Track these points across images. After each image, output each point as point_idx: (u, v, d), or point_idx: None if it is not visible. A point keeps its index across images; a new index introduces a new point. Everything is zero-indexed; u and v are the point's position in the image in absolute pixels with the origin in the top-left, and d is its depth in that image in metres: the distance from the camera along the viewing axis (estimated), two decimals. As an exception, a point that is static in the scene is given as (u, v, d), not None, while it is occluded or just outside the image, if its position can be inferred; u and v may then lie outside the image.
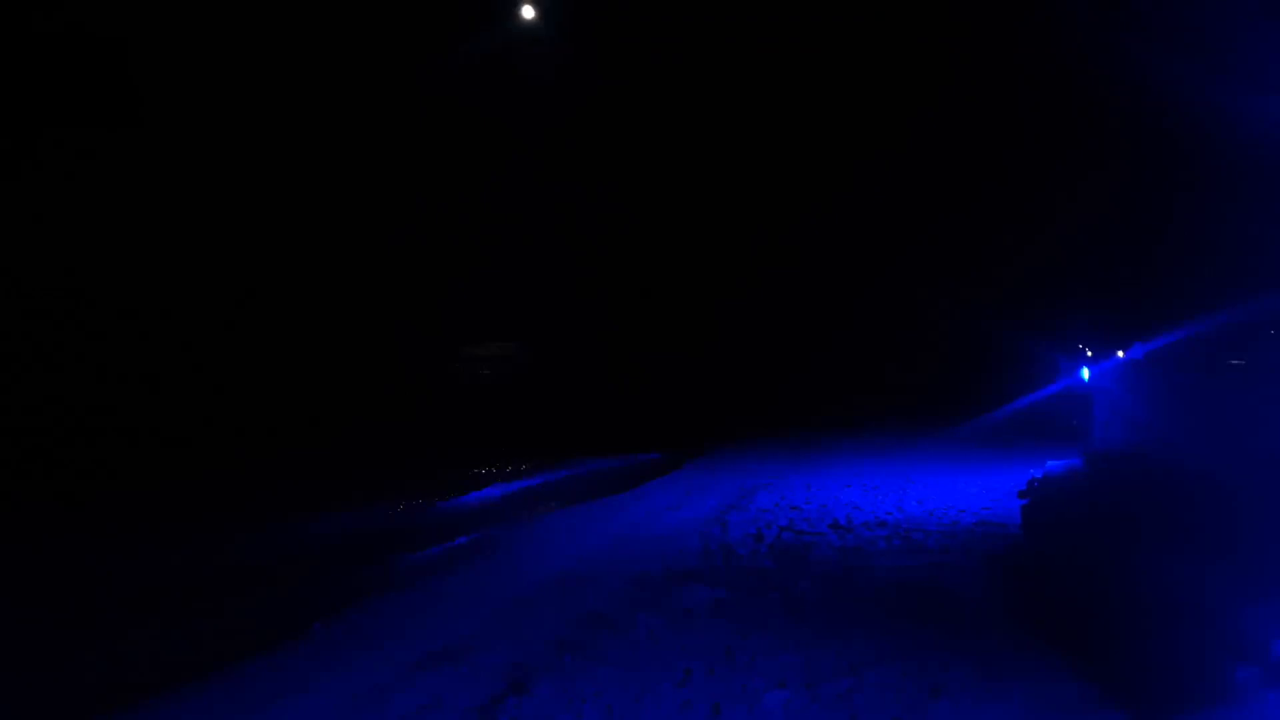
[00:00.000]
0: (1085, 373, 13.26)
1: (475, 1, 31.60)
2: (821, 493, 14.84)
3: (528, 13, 24.28)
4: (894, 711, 6.22)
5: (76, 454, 21.72)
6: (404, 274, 38.20)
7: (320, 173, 35.50)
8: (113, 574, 11.99)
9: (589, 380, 35.30)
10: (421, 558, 12.45)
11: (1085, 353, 15.52)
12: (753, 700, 6.50)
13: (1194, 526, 7.05)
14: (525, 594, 9.55)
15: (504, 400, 34.01)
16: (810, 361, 37.54)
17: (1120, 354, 12.65)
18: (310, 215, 35.45)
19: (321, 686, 7.46)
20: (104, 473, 19.84)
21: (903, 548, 10.83)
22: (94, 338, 28.87)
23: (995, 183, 33.24)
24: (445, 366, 38.68)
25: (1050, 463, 12.42)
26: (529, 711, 6.49)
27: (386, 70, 33.98)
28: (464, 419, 29.07)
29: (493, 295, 39.68)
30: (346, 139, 35.52)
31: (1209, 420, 8.14)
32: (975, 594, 8.90)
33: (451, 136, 37.93)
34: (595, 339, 39.33)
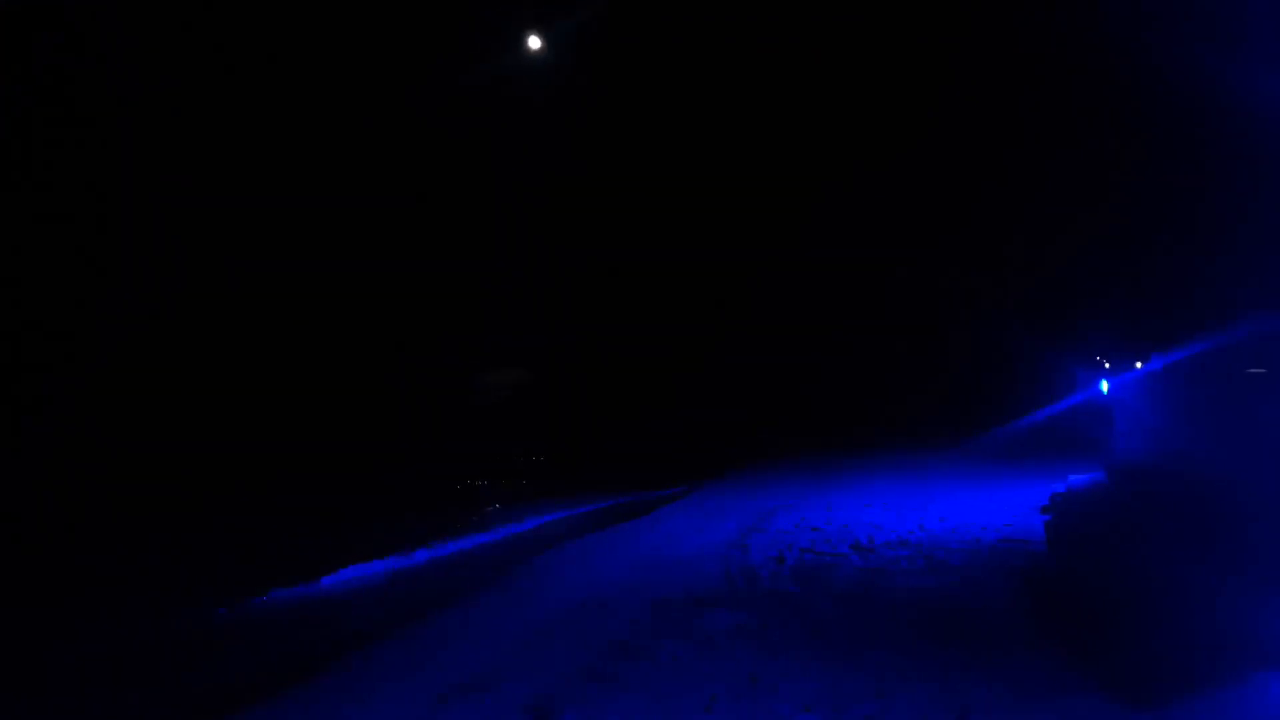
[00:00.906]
0: (1104, 385, 13.19)
1: (482, 27, 31.87)
2: (841, 513, 14.76)
3: (534, 43, 24.54)
4: (923, 734, 6.16)
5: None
6: (410, 297, 38.21)
7: (329, 191, 35.66)
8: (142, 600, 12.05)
9: (597, 405, 35.17)
10: (440, 588, 12.43)
11: (1103, 365, 15.44)
12: (780, 726, 6.46)
13: (1218, 537, 6.99)
14: (546, 623, 9.52)
15: (512, 427, 33.75)
16: (822, 378, 37.41)
17: (1139, 365, 12.58)
18: (312, 234, 35.52)
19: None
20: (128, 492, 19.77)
21: (926, 567, 10.75)
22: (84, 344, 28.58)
23: (1010, 188, 32.99)
24: (457, 393, 38.60)
25: (1072, 477, 12.36)
26: (555, 742, 6.46)
27: (400, 98, 34.25)
28: (477, 447, 28.92)
29: (502, 319, 39.73)
30: (347, 152, 35.64)
31: (1230, 431, 8.08)
32: (1001, 612, 8.82)
33: (452, 152, 38.10)
34: (603, 363, 39.19)
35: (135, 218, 30.22)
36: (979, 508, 14.43)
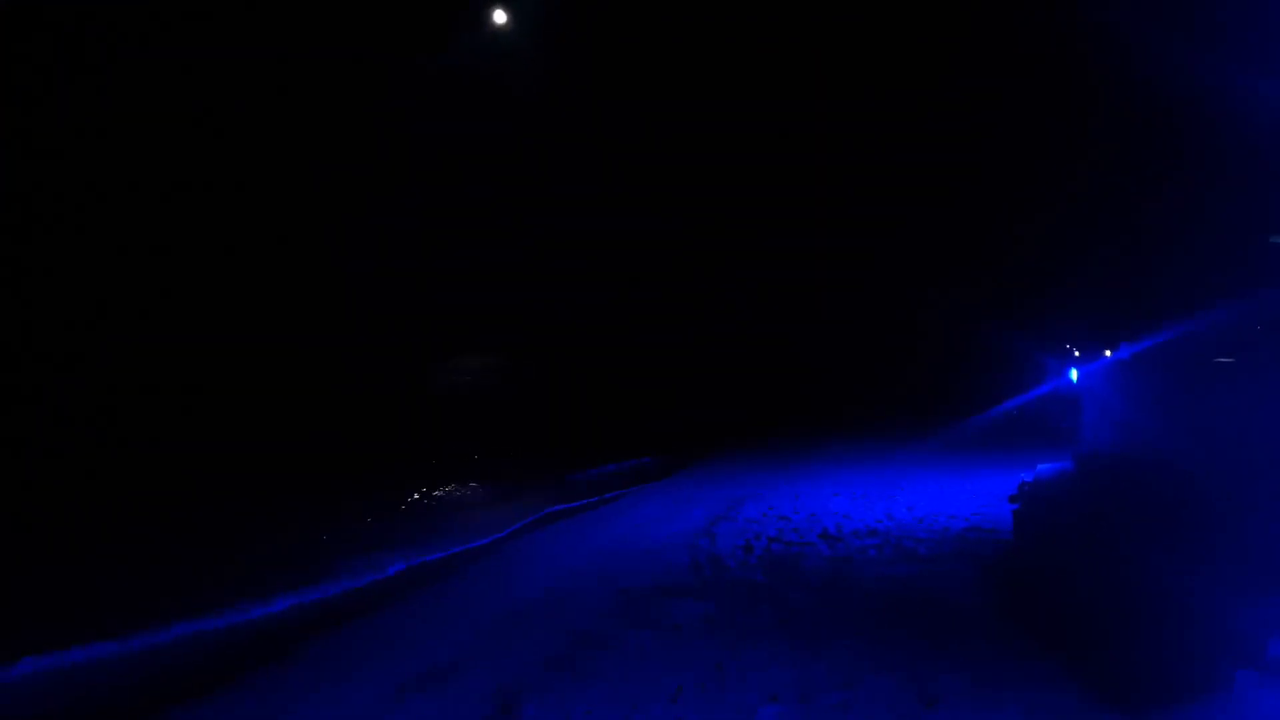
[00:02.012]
0: (1074, 374, 13.19)
1: (454, 8, 31.45)
2: (810, 501, 14.71)
3: (499, 17, 24.04)
4: (890, 724, 6.09)
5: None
6: (381, 282, 37.78)
7: (302, 178, 35.21)
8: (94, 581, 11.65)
9: (568, 390, 34.90)
10: (399, 575, 12.20)
11: (1073, 353, 15.47)
12: (746, 715, 6.36)
13: (1186, 527, 6.97)
14: (511, 611, 9.36)
15: (484, 412, 33.21)
16: (789, 365, 37.41)
17: (1108, 354, 12.60)
18: (289, 222, 35.07)
19: (305, 713, 7.26)
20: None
21: (894, 556, 10.71)
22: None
23: (980, 177, 33.19)
24: (428, 379, 38.12)
25: (1040, 466, 12.31)
26: (516, 734, 6.32)
27: (367, 80, 33.83)
28: (448, 429, 28.43)
29: (475, 305, 39.36)
30: (329, 142, 35.23)
31: (1198, 420, 8.08)
32: (969, 601, 8.80)
33: (429, 140, 37.68)
34: (577, 349, 38.96)
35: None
36: (947, 497, 14.44)
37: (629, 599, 9.34)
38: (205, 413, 26.93)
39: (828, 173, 39.82)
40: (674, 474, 19.70)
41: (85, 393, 26.45)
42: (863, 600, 8.95)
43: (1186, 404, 8.44)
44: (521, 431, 28.35)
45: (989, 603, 8.69)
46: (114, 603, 10.69)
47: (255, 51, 32.50)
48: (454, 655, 8.09)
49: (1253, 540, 6.52)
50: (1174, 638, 6.14)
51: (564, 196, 40.54)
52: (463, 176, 39.28)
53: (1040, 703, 6.25)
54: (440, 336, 39.32)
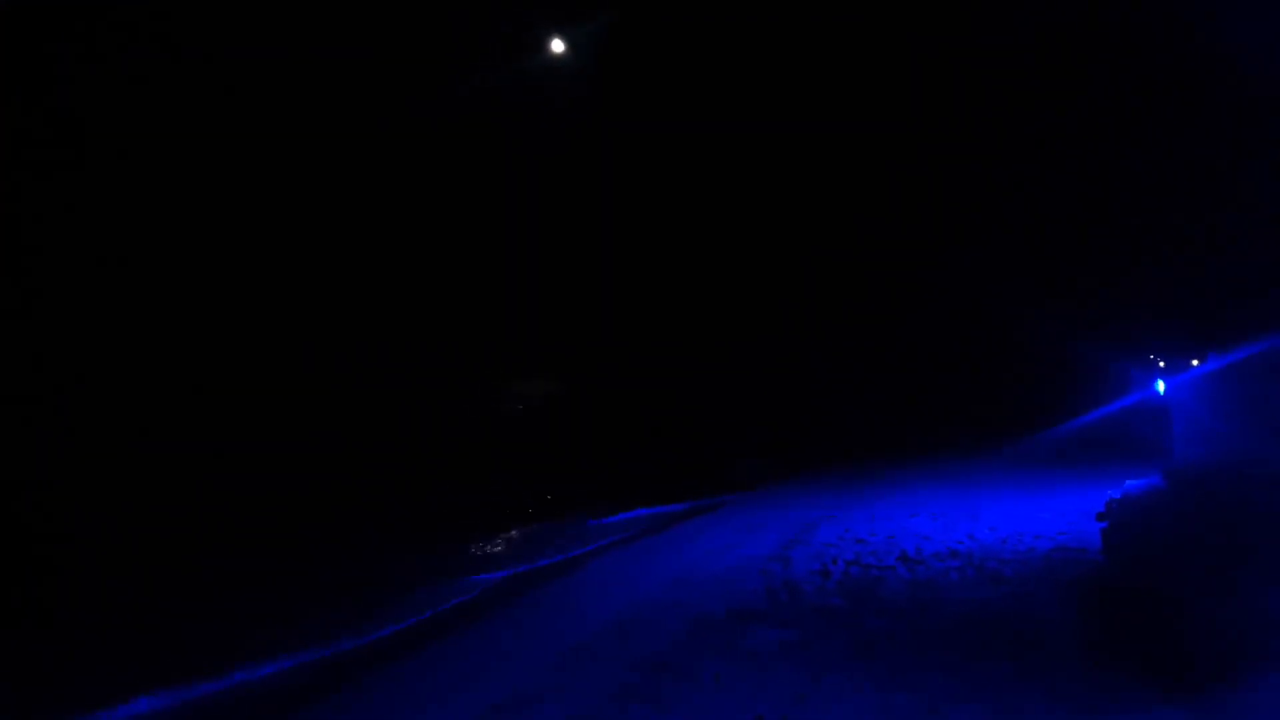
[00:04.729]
0: (1161, 385, 12.71)
1: (505, 33, 31.92)
2: (887, 523, 14.38)
3: (557, 46, 24.34)
4: (980, 758, 5.85)
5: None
6: (442, 305, 38.27)
7: (356, 201, 36.00)
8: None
9: (633, 416, 34.84)
10: (473, 599, 12.31)
11: (1158, 363, 14.91)
12: (828, 749, 6.18)
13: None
14: (584, 639, 9.31)
15: (548, 442, 33.30)
16: (859, 386, 36.75)
17: (1195, 364, 12.09)
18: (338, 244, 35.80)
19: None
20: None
21: (977, 579, 10.36)
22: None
23: (1058, 185, 32.11)
24: (490, 407, 38.45)
25: (1129, 482, 11.87)
26: (594, 767, 6.25)
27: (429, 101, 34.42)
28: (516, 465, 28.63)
29: (532, 328, 39.61)
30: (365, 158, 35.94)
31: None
32: (1058, 624, 8.44)
33: (469, 154, 38.18)
34: (638, 371, 38.81)
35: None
36: (1031, 515, 13.97)
37: (703, 626, 9.21)
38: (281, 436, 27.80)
39: (899, 184, 39.26)
40: (739, 497, 19.52)
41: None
42: (945, 626, 8.66)
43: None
44: (586, 457, 28.45)
45: (1080, 627, 8.33)
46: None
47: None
48: (532, 684, 8.06)
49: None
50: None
51: (621, 221, 40.74)
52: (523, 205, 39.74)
53: (1140, 735, 5.94)
54: (508, 358, 39.65)
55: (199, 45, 30.53)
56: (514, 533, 18.20)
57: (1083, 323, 26.97)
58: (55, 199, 28.10)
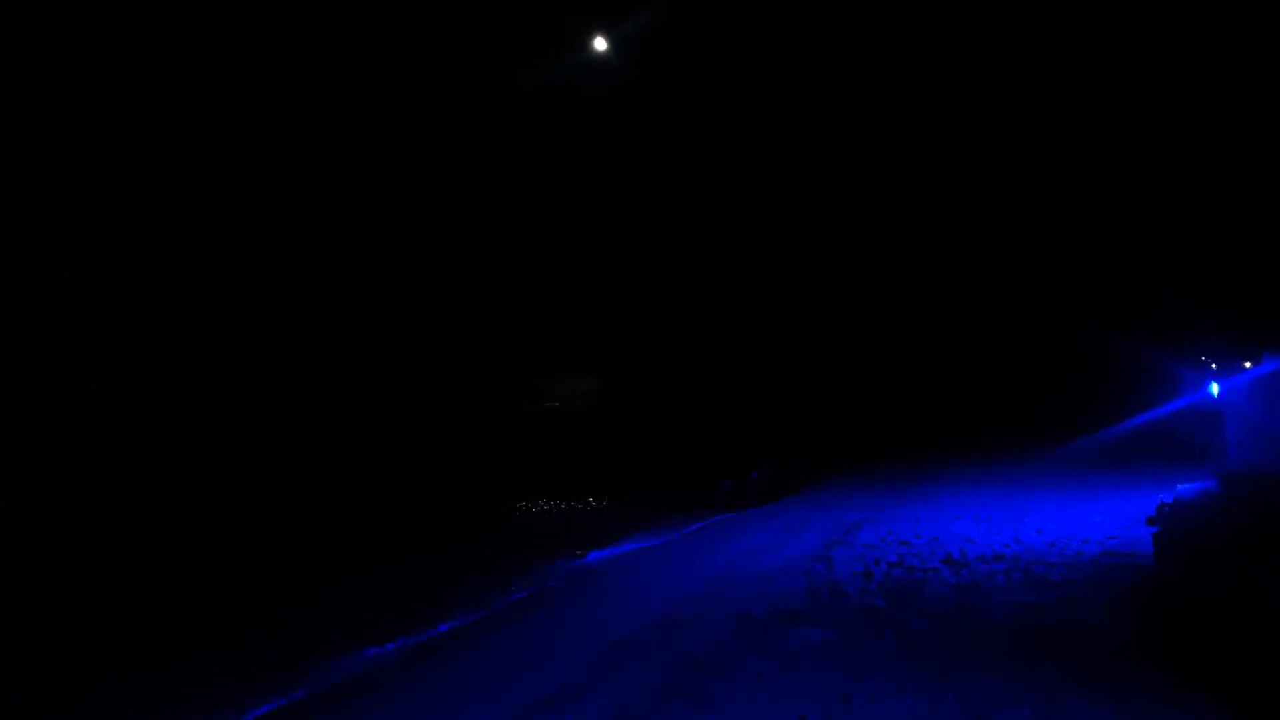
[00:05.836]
0: (1215, 388, 12.44)
1: (547, 32, 32.03)
2: (931, 525, 14.24)
3: (600, 44, 24.31)
4: (1029, 761, 5.78)
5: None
6: (476, 301, 38.40)
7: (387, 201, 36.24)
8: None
9: (673, 417, 34.72)
10: (515, 596, 12.37)
11: (1209, 365, 14.59)
12: (873, 749, 6.15)
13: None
14: (624, 637, 9.34)
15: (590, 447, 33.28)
16: (901, 384, 36.35)
17: (1248, 365, 11.81)
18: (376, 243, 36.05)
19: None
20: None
21: (1023, 582, 10.23)
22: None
23: (1109, 181, 31.45)
24: (529, 406, 38.54)
25: (1181, 486, 11.63)
26: (637, 762, 6.27)
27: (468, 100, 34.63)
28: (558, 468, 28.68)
29: (568, 324, 39.61)
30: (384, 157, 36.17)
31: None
32: (1107, 630, 8.31)
33: (503, 154, 38.29)
34: (676, 369, 38.65)
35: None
36: (1079, 519, 13.74)
37: (745, 625, 9.20)
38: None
39: (952, 181, 38.77)
40: (781, 499, 19.41)
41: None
42: (991, 629, 8.56)
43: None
44: (631, 455, 28.48)
45: (1130, 632, 8.19)
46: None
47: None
48: (572, 680, 8.11)
49: None
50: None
51: (656, 215, 40.66)
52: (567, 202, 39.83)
53: (1194, 741, 5.83)
54: (544, 354, 39.72)
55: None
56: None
57: (1134, 324, 26.45)
58: (55, 199, 28.57)
